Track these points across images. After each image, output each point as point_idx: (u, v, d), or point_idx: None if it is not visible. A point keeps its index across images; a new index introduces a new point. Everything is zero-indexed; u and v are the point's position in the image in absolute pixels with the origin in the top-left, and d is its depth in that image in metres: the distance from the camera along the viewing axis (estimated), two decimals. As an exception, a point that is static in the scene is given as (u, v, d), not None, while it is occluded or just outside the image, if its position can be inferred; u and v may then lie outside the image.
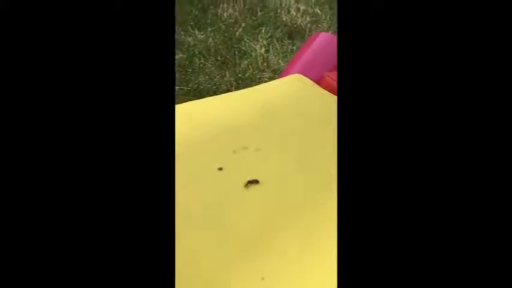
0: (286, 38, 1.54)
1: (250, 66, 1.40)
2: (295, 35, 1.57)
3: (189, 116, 0.72)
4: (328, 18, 1.67)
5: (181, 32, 1.50)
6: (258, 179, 0.61)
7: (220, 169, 0.62)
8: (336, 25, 1.64)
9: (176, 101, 1.30)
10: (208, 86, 1.31)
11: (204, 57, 1.42)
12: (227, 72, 1.37)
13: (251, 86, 1.28)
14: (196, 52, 1.42)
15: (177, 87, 1.30)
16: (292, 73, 0.90)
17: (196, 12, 1.60)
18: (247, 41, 1.50)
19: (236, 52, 1.45)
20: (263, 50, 1.47)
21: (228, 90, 1.30)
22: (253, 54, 1.45)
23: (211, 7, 1.64)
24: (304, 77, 0.86)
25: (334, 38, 0.96)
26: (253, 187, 0.60)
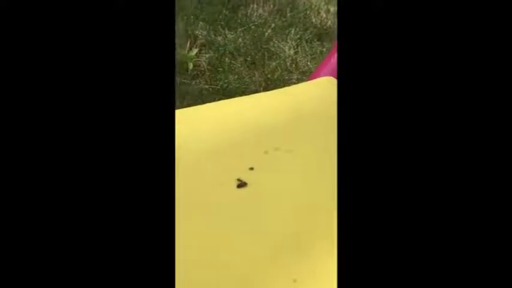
0: (315, 40, 1.54)
1: (278, 67, 1.41)
2: (325, 36, 1.57)
3: (220, 115, 0.74)
4: (358, 20, 1.66)
5: (212, 32, 1.52)
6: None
7: (252, 169, 0.63)
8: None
9: (205, 100, 1.31)
10: (237, 85, 1.33)
11: (233, 57, 1.43)
12: (256, 73, 1.38)
13: (280, 86, 1.29)
14: (226, 52, 1.44)
15: (206, 86, 1.32)
16: (323, 75, 0.90)
17: (227, 12, 1.62)
18: (276, 41, 1.51)
19: (265, 53, 1.46)
20: (292, 51, 1.47)
21: (256, 91, 1.31)
22: (282, 55, 1.45)
23: (241, 7, 1.66)
24: (336, 80, 0.86)
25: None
26: (285, 188, 0.61)
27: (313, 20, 1.64)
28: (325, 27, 1.61)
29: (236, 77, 1.36)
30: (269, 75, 1.37)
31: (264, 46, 1.49)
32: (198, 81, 1.36)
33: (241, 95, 0.84)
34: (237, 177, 0.62)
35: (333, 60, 1.00)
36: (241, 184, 0.60)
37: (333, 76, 0.88)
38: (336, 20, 1.65)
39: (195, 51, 1.43)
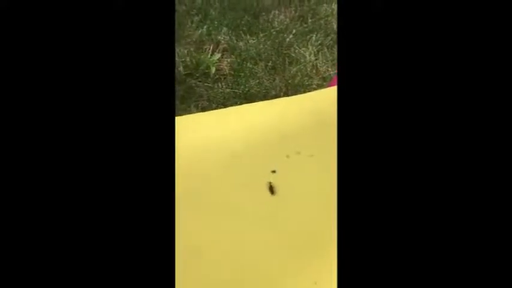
0: (336, 46, 1.55)
1: (299, 73, 1.42)
2: (345, 43, 1.58)
3: (242, 119, 0.75)
4: (379, 27, 1.67)
5: (234, 37, 1.55)
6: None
7: (274, 172, 0.65)
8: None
9: (227, 103, 1.33)
10: (258, 90, 1.35)
11: (255, 62, 1.45)
12: (276, 78, 1.41)
13: (300, 92, 1.31)
14: (248, 57, 1.46)
15: (228, 90, 1.35)
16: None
17: (249, 18, 1.64)
18: (297, 47, 1.53)
19: (286, 58, 1.48)
20: (313, 57, 1.49)
21: (277, 95, 1.33)
22: (303, 61, 1.47)
23: (263, 13, 1.68)
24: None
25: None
26: (306, 191, 0.62)
27: (335, 27, 1.65)
28: (346, 34, 1.62)
29: (257, 81, 1.38)
30: (289, 81, 1.39)
31: (285, 52, 1.51)
32: (220, 85, 1.38)
33: (261, 100, 0.85)
34: (259, 180, 0.64)
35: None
36: (271, 188, 0.62)
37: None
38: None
39: (217, 56, 1.46)
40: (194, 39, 1.53)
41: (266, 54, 1.49)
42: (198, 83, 1.39)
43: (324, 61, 1.48)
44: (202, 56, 1.45)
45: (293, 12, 1.71)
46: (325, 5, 1.74)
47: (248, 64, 1.44)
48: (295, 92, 1.33)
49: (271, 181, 0.62)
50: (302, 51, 1.51)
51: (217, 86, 1.38)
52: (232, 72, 1.41)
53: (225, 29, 1.58)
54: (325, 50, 1.53)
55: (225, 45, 1.51)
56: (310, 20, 1.68)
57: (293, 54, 1.50)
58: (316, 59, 1.49)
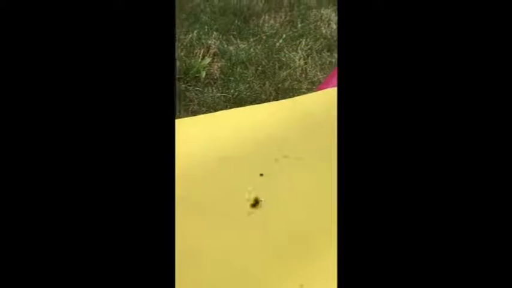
0: (325, 51, 1.57)
1: (289, 77, 1.44)
2: (335, 47, 1.60)
3: (232, 123, 0.76)
4: (367, 32, 1.69)
5: (224, 41, 1.56)
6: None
7: (262, 175, 0.66)
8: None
9: (217, 108, 1.34)
10: (248, 94, 1.36)
11: (245, 66, 1.46)
12: (266, 82, 1.42)
13: (289, 96, 1.32)
14: (238, 61, 1.47)
15: (218, 94, 1.36)
16: (332, 86, 0.92)
17: (239, 23, 1.65)
18: (287, 52, 1.54)
19: (276, 63, 1.50)
20: (302, 61, 1.50)
21: (267, 99, 1.34)
22: (292, 65, 1.49)
23: (253, 18, 1.69)
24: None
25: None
26: (295, 194, 0.63)
27: (324, 31, 1.67)
28: (335, 39, 1.64)
29: (247, 85, 1.39)
30: (279, 85, 1.40)
31: (275, 56, 1.52)
32: (210, 89, 1.39)
33: (251, 104, 0.87)
34: (247, 184, 0.64)
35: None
36: (255, 203, 0.62)
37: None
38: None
39: (207, 60, 1.47)
40: (184, 44, 1.54)
41: (256, 58, 1.50)
42: (188, 87, 1.39)
43: (313, 65, 1.50)
44: (192, 61, 1.46)
45: (283, 17, 1.73)
46: (314, 10, 1.76)
47: (238, 68, 1.45)
48: (285, 96, 1.34)
49: (256, 196, 0.63)
50: (292, 56, 1.52)
51: (208, 90, 1.39)
52: (223, 77, 1.41)
53: (215, 33, 1.58)
54: (314, 54, 1.54)
55: (215, 50, 1.52)
56: (299, 25, 1.69)
57: (283, 59, 1.51)
58: (305, 64, 1.50)
